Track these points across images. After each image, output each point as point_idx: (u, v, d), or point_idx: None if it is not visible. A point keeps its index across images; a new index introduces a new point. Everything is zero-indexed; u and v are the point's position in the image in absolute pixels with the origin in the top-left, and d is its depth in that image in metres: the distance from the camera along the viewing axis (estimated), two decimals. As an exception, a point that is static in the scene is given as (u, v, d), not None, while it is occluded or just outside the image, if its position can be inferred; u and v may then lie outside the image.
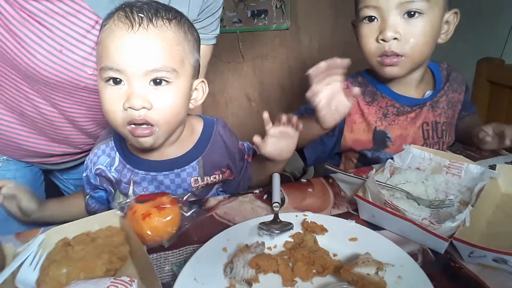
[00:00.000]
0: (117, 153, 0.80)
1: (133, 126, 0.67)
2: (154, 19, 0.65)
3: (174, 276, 0.55)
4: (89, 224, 0.65)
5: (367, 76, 1.03)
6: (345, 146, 1.02)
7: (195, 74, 0.74)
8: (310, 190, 0.81)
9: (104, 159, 0.81)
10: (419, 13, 0.82)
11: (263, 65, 2.32)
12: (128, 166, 0.79)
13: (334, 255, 0.60)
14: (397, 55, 0.85)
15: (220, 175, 0.83)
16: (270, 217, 0.68)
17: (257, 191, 0.82)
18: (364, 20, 0.87)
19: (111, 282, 0.48)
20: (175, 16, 0.68)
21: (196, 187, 0.81)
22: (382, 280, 0.52)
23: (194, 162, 0.80)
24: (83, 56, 0.78)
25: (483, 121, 2.26)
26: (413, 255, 0.59)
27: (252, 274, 0.56)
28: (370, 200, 0.68)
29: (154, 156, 0.79)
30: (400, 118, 0.98)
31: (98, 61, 0.68)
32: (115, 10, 0.67)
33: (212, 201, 0.78)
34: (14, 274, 0.54)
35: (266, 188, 0.82)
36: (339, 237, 0.63)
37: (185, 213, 0.68)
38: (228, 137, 0.84)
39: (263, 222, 0.65)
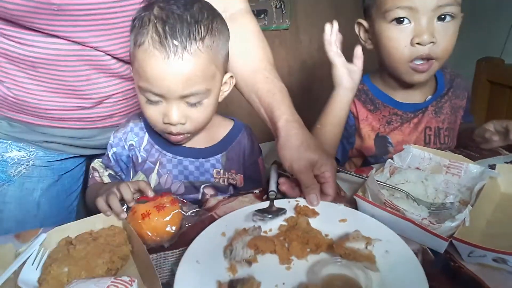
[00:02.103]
0: (146, 133, 0.86)
1: (169, 135, 0.77)
2: (187, 44, 0.68)
3: (174, 276, 0.55)
4: (92, 223, 0.65)
5: (368, 82, 1.03)
6: (353, 152, 1.04)
7: (225, 69, 0.79)
8: (310, 190, 0.81)
9: (133, 137, 0.86)
10: (451, 16, 0.81)
11: (263, 65, 2.32)
12: (156, 146, 0.85)
13: (326, 235, 0.63)
14: (431, 58, 0.84)
15: (234, 175, 0.88)
16: (266, 204, 0.71)
17: (257, 191, 0.82)
18: (392, 22, 0.84)
19: (112, 281, 0.49)
20: (207, 28, 0.70)
21: (218, 179, 0.86)
22: (371, 253, 0.56)
23: (219, 155, 0.86)
24: None
25: (483, 121, 2.27)
26: (413, 255, 0.60)
27: (251, 255, 0.58)
28: (370, 200, 0.68)
29: (183, 142, 0.84)
30: (404, 124, 0.98)
31: (136, 75, 0.73)
32: (147, 25, 0.68)
33: (212, 201, 0.79)
34: (16, 273, 0.54)
35: (266, 188, 0.82)
36: (330, 219, 0.67)
37: (184, 213, 0.69)
38: (250, 143, 0.91)
39: (258, 209, 0.68)
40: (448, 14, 0.81)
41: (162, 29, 0.67)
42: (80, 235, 0.63)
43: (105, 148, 0.90)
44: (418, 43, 0.82)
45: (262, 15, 2.20)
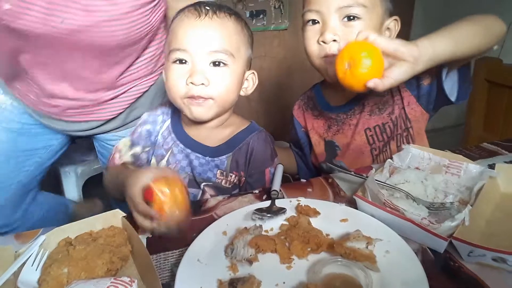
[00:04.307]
0: (169, 119, 0.90)
1: (190, 99, 0.78)
2: (217, 11, 0.78)
3: (174, 277, 0.55)
4: (92, 223, 0.65)
5: (317, 89, 1.07)
6: (312, 162, 1.09)
7: (248, 66, 0.86)
8: (309, 190, 0.81)
9: (162, 120, 0.91)
10: (357, 17, 0.84)
11: (262, 65, 2.32)
12: (172, 134, 0.88)
13: (327, 235, 0.64)
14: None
15: (235, 178, 0.88)
16: (268, 203, 0.72)
17: (256, 191, 0.82)
18: (308, 23, 0.89)
19: (112, 282, 0.49)
20: (234, 13, 0.82)
21: (220, 180, 0.87)
22: (371, 253, 0.56)
23: (224, 157, 0.87)
24: None
25: (481, 121, 2.27)
26: (413, 255, 0.60)
27: (252, 254, 0.59)
28: (370, 200, 0.68)
29: (196, 135, 0.87)
30: (344, 127, 0.99)
31: (167, 47, 0.80)
32: (186, 7, 0.80)
33: (212, 201, 0.79)
34: (16, 274, 0.54)
35: (266, 188, 0.82)
36: (331, 218, 0.67)
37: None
38: (260, 149, 0.88)
39: (258, 209, 0.69)
40: (353, 15, 0.84)
41: (198, 4, 0.79)
42: (80, 235, 0.63)
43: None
44: (322, 41, 0.86)
45: (261, 16, 2.20)
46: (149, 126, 0.90)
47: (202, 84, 0.76)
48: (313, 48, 0.89)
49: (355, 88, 0.75)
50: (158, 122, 0.91)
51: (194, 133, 0.87)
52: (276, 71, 2.37)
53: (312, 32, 0.89)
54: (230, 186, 0.88)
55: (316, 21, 0.87)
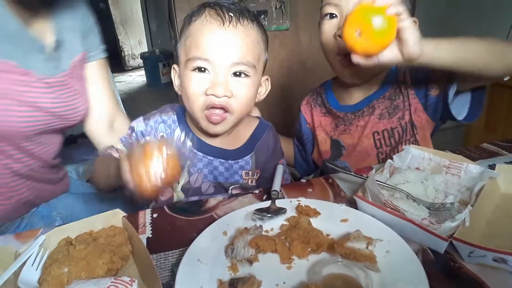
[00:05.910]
0: (178, 127, 0.85)
1: (210, 110, 0.75)
2: (241, 18, 0.74)
3: (174, 276, 0.55)
4: (92, 223, 0.65)
5: (327, 86, 1.07)
6: (313, 159, 1.10)
7: (263, 71, 0.84)
8: (310, 190, 0.81)
9: (165, 129, 0.84)
10: None
11: (263, 65, 2.32)
12: (187, 143, 0.82)
13: (327, 235, 0.64)
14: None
15: (257, 175, 0.89)
16: (268, 203, 0.72)
17: (257, 191, 0.82)
18: (325, 17, 0.89)
19: (112, 282, 0.49)
20: (255, 18, 0.78)
21: (246, 180, 0.87)
22: (372, 253, 0.57)
23: (248, 157, 0.87)
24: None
25: (482, 121, 2.27)
26: (413, 255, 0.60)
27: (252, 254, 0.59)
28: (370, 200, 0.68)
29: (212, 140, 0.84)
30: (351, 128, 0.99)
31: (184, 53, 0.76)
32: (203, 8, 0.75)
33: (212, 201, 0.79)
34: (16, 274, 0.54)
35: (266, 188, 0.82)
36: (331, 219, 0.67)
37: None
38: (274, 144, 0.92)
39: (258, 209, 0.69)
40: None
41: (219, 7, 0.74)
42: (80, 235, 0.63)
43: None
44: (339, 36, 0.84)
45: (262, 16, 2.20)
46: (162, 127, 0.84)
47: (225, 96, 0.74)
48: (329, 42, 0.88)
49: (370, 53, 0.69)
50: (158, 131, 0.84)
51: (210, 139, 0.85)
52: (277, 71, 2.37)
53: (329, 26, 0.88)
54: (255, 184, 0.89)
55: (334, 15, 0.87)
